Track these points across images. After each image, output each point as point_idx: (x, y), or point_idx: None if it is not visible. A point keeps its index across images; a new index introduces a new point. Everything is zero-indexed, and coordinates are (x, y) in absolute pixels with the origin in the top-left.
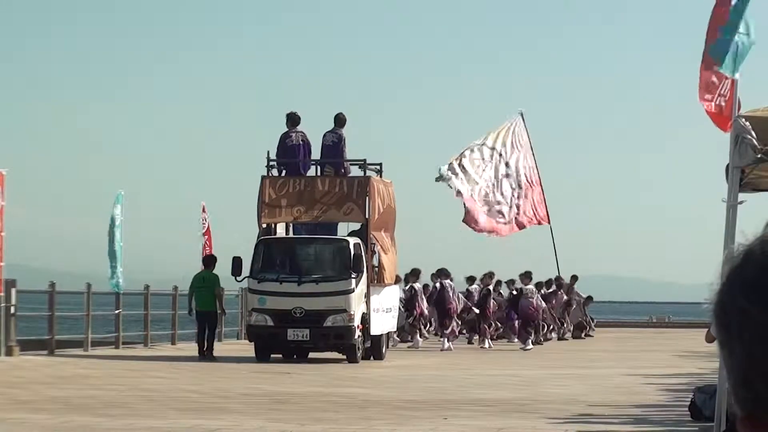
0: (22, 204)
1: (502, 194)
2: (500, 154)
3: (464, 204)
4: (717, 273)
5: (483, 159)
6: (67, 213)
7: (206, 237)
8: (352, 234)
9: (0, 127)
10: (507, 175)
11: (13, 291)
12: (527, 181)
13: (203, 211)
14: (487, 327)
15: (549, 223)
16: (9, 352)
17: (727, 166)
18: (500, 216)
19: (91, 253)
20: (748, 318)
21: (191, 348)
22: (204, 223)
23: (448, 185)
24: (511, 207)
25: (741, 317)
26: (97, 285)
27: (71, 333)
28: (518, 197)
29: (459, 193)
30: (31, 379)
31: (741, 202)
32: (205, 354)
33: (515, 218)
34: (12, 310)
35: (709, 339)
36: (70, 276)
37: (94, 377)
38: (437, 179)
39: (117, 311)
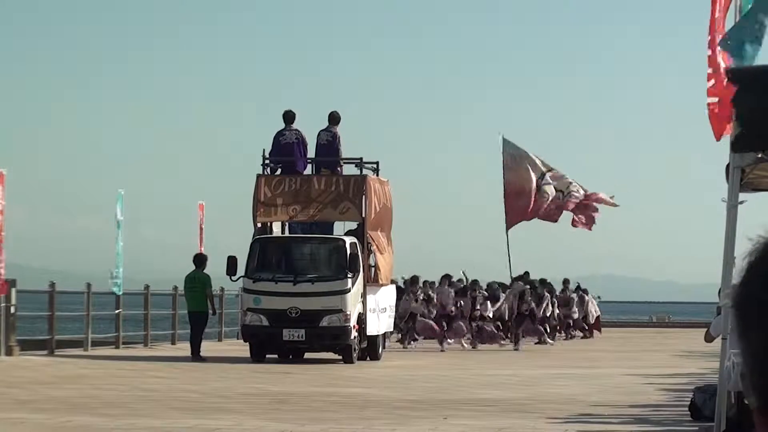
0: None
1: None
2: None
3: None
4: (738, 266)
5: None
6: (67, 213)
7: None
8: (348, 233)
9: (0, 127)
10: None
11: (13, 291)
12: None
13: (200, 210)
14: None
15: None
16: (9, 352)
17: (727, 166)
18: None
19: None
20: (767, 310)
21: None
22: (199, 224)
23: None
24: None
25: (760, 309)
26: (97, 285)
27: (71, 333)
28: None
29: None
30: (31, 379)
31: (741, 202)
32: (192, 355)
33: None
34: (12, 310)
35: (709, 339)
36: (70, 276)
37: (94, 377)
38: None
39: (117, 311)
